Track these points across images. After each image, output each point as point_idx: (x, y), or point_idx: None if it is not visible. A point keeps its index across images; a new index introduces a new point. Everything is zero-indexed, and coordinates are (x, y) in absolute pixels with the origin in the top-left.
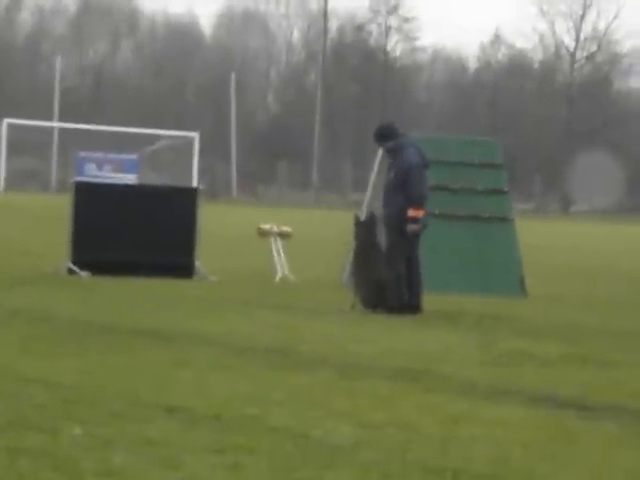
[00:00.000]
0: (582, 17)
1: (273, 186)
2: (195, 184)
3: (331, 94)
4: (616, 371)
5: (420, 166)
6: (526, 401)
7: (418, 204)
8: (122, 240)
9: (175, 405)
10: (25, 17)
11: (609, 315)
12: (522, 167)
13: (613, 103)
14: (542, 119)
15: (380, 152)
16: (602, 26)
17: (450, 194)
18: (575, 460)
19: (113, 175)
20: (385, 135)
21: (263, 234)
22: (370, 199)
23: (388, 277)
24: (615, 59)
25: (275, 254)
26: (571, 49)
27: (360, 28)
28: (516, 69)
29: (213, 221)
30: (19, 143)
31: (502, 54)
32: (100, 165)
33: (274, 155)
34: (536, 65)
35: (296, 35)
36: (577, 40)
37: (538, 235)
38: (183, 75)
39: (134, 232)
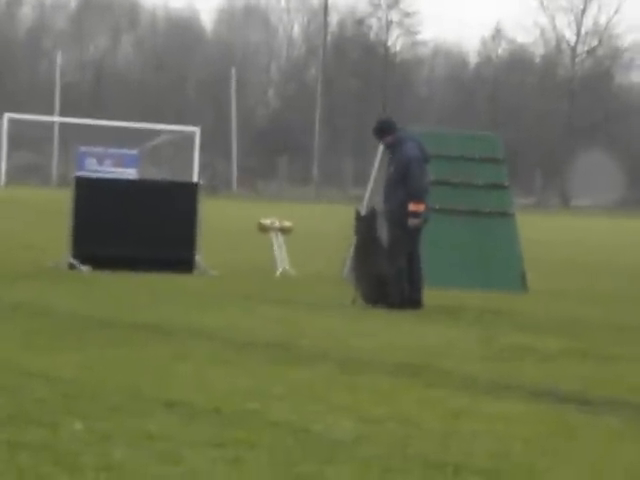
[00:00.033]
0: (583, 11)
1: (274, 181)
2: (195, 179)
3: (332, 89)
4: (617, 365)
5: (420, 160)
6: (527, 396)
7: (418, 198)
8: (123, 235)
9: (175, 399)
10: (26, 12)
11: (610, 309)
12: (523, 162)
13: (614, 97)
14: (543, 114)
15: (381, 147)
16: (603, 20)
17: (451, 189)
18: (576, 454)
19: (114, 170)
20: (384, 130)
21: (264, 229)
22: (371, 194)
23: (389, 272)
24: (616, 53)
25: (276, 249)
26: (572, 43)
27: (360, 22)
28: (517, 63)
29: (214, 216)
30: (20, 138)
31: (503, 48)
32: (101, 160)
33: (274, 150)
34: (537, 59)
35: (296, 29)
36: (578, 34)
37: (539, 230)
38: (183, 70)
39: (135, 227)
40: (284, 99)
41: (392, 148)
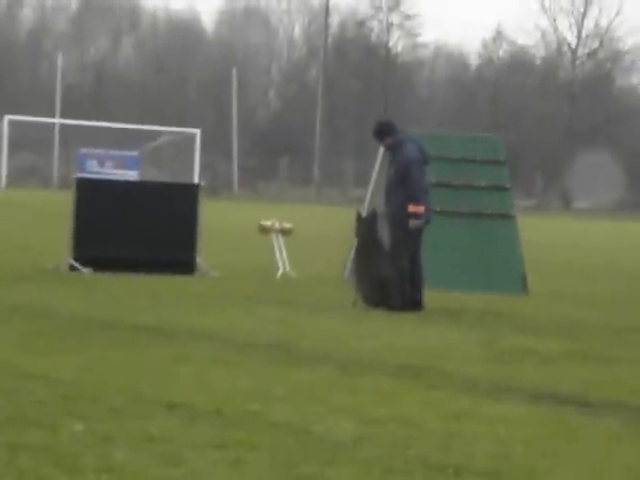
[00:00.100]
0: (584, 14)
1: (274, 182)
2: (196, 180)
3: (332, 90)
4: (617, 368)
5: (419, 161)
6: (527, 398)
7: (418, 199)
8: (123, 236)
9: (176, 401)
10: (26, 14)
11: (610, 312)
12: (524, 164)
13: (615, 100)
14: (544, 116)
15: (382, 149)
16: (604, 23)
17: (452, 190)
18: (576, 457)
19: (114, 171)
20: (384, 132)
21: (264, 230)
22: (372, 195)
23: (391, 275)
24: (617, 56)
25: (276, 250)
26: (573, 46)
27: (361, 24)
28: (518, 66)
29: (214, 217)
30: (20, 140)
31: (504, 50)
32: (101, 161)
33: (275, 151)
34: (538, 62)
35: (297, 31)
36: (579, 37)
37: (539, 232)
38: (184, 71)
39: (135, 228)
40: (285, 100)
41: (392, 150)
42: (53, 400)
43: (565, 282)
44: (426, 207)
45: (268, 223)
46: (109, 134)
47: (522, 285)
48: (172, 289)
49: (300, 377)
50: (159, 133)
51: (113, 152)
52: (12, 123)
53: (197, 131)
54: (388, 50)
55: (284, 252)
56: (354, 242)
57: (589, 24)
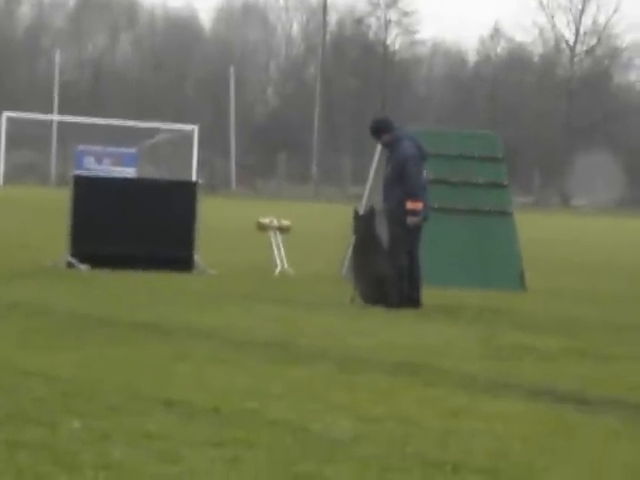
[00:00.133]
0: (582, 11)
1: (272, 179)
2: (194, 177)
3: (330, 87)
4: (615, 365)
5: (416, 158)
6: (526, 395)
7: (415, 196)
8: (121, 234)
9: (174, 399)
10: (24, 11)
11: (609, 309)
12: (522, 161)
13: (613, 97)
14: (542, 113)
15: (379, 146)
16: (602, 20)
17: (450, 187)
18: (574, 454)
19: (112, 168)
20: (380, 129)
21: (262, 228)
22: (370, 192)
23: (389, 272)
24: (615, 53)
25: (274, 248)
26: (571, 43)
27: (359, 21)
28: (516, 63)
29: (212, 215)
30: (18, 136)
31: (502, 47)
32: (99, 158)
33: (273, 148)
34: (536, 59)
35: (295, 28)
36: (577, 34)
37: (538, 229)
38: (182, 69)
39: (133, 226)
40: (283, 97)
41: (389, 147)
42: (51, 397)
43: (563, 279)
44: (424, 204)
45: (266, 220)
46: (107, 131)
47: (520, 282)
48: (170, 286)
49: (298, 375)
50: (157, 130)
51: (111, 149)
52: (10, 120)
53: (195, 128)
54: (386, 47)
55: (282, 249)
56: (352, 239)
57: (587, 21)
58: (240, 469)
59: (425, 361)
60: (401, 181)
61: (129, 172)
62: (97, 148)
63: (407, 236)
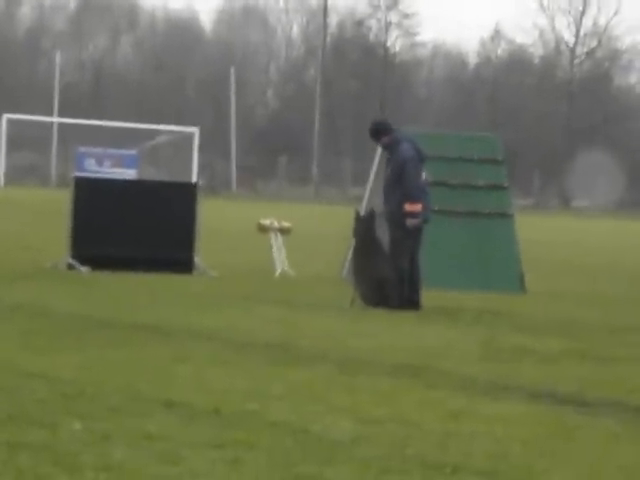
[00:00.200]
0: (582, 13)
1: (273, 181)
2: (195, 179)
3: (331, 89)
4: (616, 367)
5: (415, 160)
6: (525, 397)
7: (414, 198)
8: (122, 235)
9: (174, 400)
10: (25, 12)
11: (608, 311)
12: (522, 163)
13: (613, 99)
14: (542, 115)
15: (380, 148)
16: (602, 22)
17: (449, 190)
18: (574, 456)
19: (113, 170)
20: (379, 131)
21: (263, 229)
22: (370, 194)
23: (389, 275)
24: (615, 55)
25: (275, 249)
26: (571, 45)
27: (360, 23)
28: (516, 64)
29: (213, 216)
30: (19, 138)
31: (502, 49)
32: (100, 160)
33: (274, 150)
34: (536, 61)
35: (296, 30)
36: (577, 36)
37: (537, 231)
38: (183, 70)
39: (134, 227)
40: (283, 99)
41: (389, 149)
42: (52, 399)
43: (563, 281)
44: (424, 206)
45: (267, 222)
46: (107, 133)
47: (520, 284)
48: (170, 288)
49: (298, 376)
50: (157, 132)
51: (111, 151)
52: (10, 121)
53: (196, 130)
54: (386, 49)
55: (283, 251)
56: (352, 242)
57: (587, 23)
58: (240, 470)
59: (425, 363)
60: (400, 183)
61: (130, 174)
62: (98, 150)
63: (407, 238)
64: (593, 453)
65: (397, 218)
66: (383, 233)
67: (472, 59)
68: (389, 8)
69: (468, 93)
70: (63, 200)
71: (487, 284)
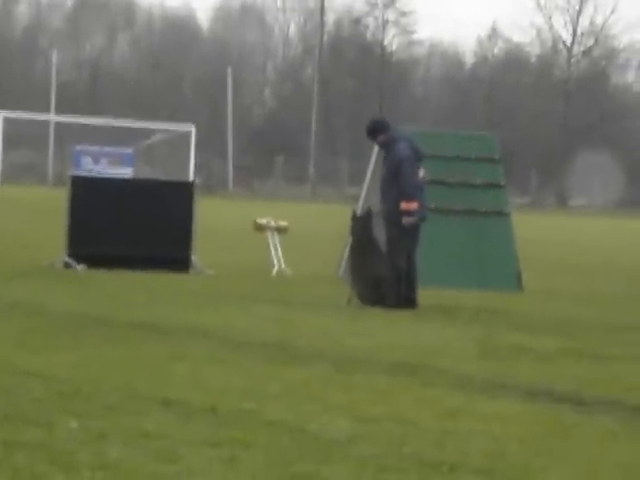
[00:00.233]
0: (579, 11)
1: (270, 180)
2: (191, 178)
3: (328, 88)
4: (612, 365)
5: (411, 159)
6: (522, 395)
7: (410, 197)
8: (118, 234)
9: (171, 398)
10: (22, 10)
11: (605, 309)
12: (519, 161)
13: (610, 98)
14: (539, 114)
15: (377, 147)
16: (599, 20)
17: (447, 188)
18: (571, 454)
19: (109, 169)
20: (377, 130)
21: (259, 228)
22: (367, 193)
23: (386, 274)
24: (612, 54)
25: (272, 248)
26: (568, 43)
27: (357, 22)
28: (513, 63)
29: (209, 215)
30: (16, 136)
31: (499, 48)
32: (96, 158)
33: (271, 149)
34: (533, 59)
35: (293, 29)
36: (574, 34)
37: (534, 230)
38: (180, 69)
39: (130, 226)
40: (280, 99)
41: (386, 147)
42: (49, 397)
43: (560, 280)
44: (421, 204)
45: (263, 221)
46: (104, 131)
47: (517, 282)
48: (167, 287)
49: (295, 375)
50: (154, 130)
51: (108, 149)
52: (7, 120)
53: (192, 128)
54: (383, 48)
55: (279, 250)
56: (349, 241)
57: (584, 22)
58: (237, 469)
59: (422, 361)
60: (397, 182)
61: (126, 172)
62: (94, 148)
63: (404, 237)
64: (590, 451)
65: (394, 217)
66: (380, 232)
67: (469, 58)
68: (386, 6)
69: (465, 92)
70: (60, 198)
71: (484, 282)
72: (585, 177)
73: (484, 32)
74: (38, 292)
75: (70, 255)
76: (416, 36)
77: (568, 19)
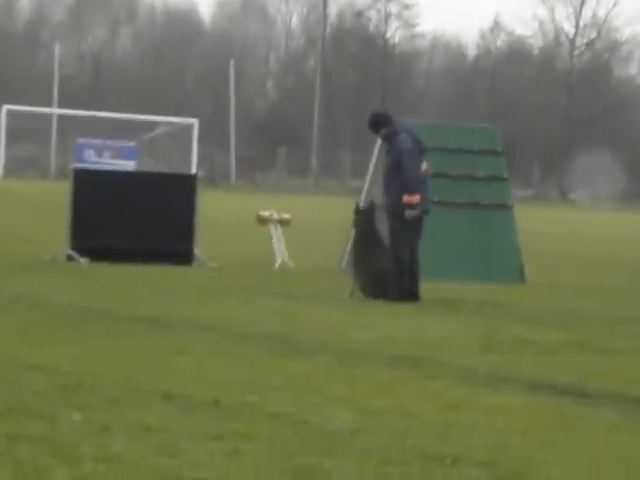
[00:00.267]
0: (582, 4)
1: (272, 172)
2: (194, 171)
3: (330, 80)
4: (615, 358)
5: (412, 152)
6: (525, 388)
7: (412, 190)
8: (121, 227)
9: (174, 391)
10: (24, 4)
11: (608, 302)
12: (521, 154)
13: (613, 90)
14: (541, 106)
15: (379, 139)
16: (602, 13)
17: (449, 181)
18: (574, 447)
19: (112, 162)
20: (379, 122)
21: (262, 221)
22: (370, 186)
23: (389, 267)
24: (615, 46)
25: (274, 241)
26: (571, 36)
27: (359, 14)
28: (515, 56)
29: (212, 208)
30: (18, 130)
31: (502, 41)
32: (99, 152)
33: (273, 141)
34: (536, 52)
35: (295, 21)
36: (577, 27)
37: (537, 222)
38: (182, 62)
39: (133, 219)
40: (283, 90)
41: (388, 140)
42: (51, 390)
43: (563, 272)
44: (424, 197)
45: (266, 214)
46: (106, 124)
47: (519, 275)
48: (170, 280)
49: (298, 368)
50: (156, 123)
51: (110, 142)
52: (10, 113)
53: (195, 121)
54: (386, 40)
55: (282, 243)
56: (352, 233)
57: (587, 14)
58: (240, 462)
59: (425, 354)
60: (400, 174)
61: (129, 165)
62: (97, 141)
63: (407, 230)
64: (593, 444)
65: (397, 209)
66: (382, 225)
67: (472, 50)
68: None
69: (468, 84)
70: (62, 192)
71: (487, 275)
72: (588, 170)
73: (487, 24)
74: (41, 285)
75: (73, 248)
76: (419, 29)
77: (571, 11)
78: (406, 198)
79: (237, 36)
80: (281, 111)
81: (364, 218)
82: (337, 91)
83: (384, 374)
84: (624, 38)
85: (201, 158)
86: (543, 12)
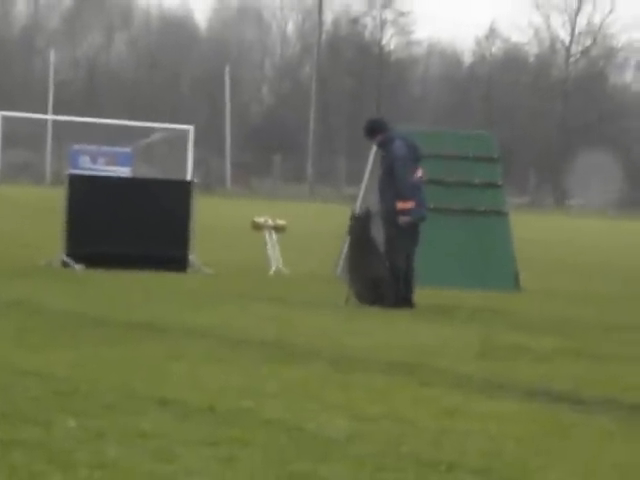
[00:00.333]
0: (577, 11)
1: (268, 179)
2: (189, 177)
3: (326, 87)
4: (610, 365)
5: (405, 159)
6: (520, 395)
7: (405, 196)
8: (116, 233)
9: (169, 398)
10: (20, 10)
11: (603, 309)
12: (517, 161)
13: (608, 97)
14: (537, 113)
15: (375, 146)
16: (597, 20)
17: (445, 188)
18: (569, 454)
19: (107, 168)
20: (374, 129)
21: (257, 227)
22: (365, 193)
23: (384, 274)
24: (610, 53)
25: (269, 247)
26: (566, 43)
27: (355, 21)
28: (511, 63)
29: (207, 214)
30: (13, 135)
31: (497, 48)
32: (94, 158)
33: (269, 148)
34: (531, 59)
35: (291, 27)
36: (572, 34)
37: (532, 229)
38: (178, 68)
39: (128, 225)
40: (278, 97)
41: (384, 147)
42: (46, 396)
43: (558, 279)
44: (419, 204)
45: (261, 220)
46: (102, 130)
47: (515, 282)
48: (165, 286)
49: (293, 374)
50: (152, 130)
51: (105, 148)
52: (5, 119)
53: (190, 128)
54: (381, 48)
55: (277, 249)
56: (347, 240)
57: (582, 21)
58: (235, 468)
59: (420, 361)
60: (393, 182)
61: (124, 171)
62: (92, 147)
63: (402, 237)
64: (588, 451)
65: (392, 216)
66: (378, 232)
67: (467, 57)
68: (384, 6)
69: (463, 91)
70: (57, 198)
71: (482, 282)
72: (583, 177)
73: (482, 32)
74: (36, 291)
75: (68, 254)
76: (414, 36)
77: (566, 18)
78: (399, 205)
79: (233, 42)
80: (276, 117)
81: (360, 225)
82: (333, 98)
83: (379, 380)
84: (620, 45)
85: (196, 163)
86: (539, 19)
